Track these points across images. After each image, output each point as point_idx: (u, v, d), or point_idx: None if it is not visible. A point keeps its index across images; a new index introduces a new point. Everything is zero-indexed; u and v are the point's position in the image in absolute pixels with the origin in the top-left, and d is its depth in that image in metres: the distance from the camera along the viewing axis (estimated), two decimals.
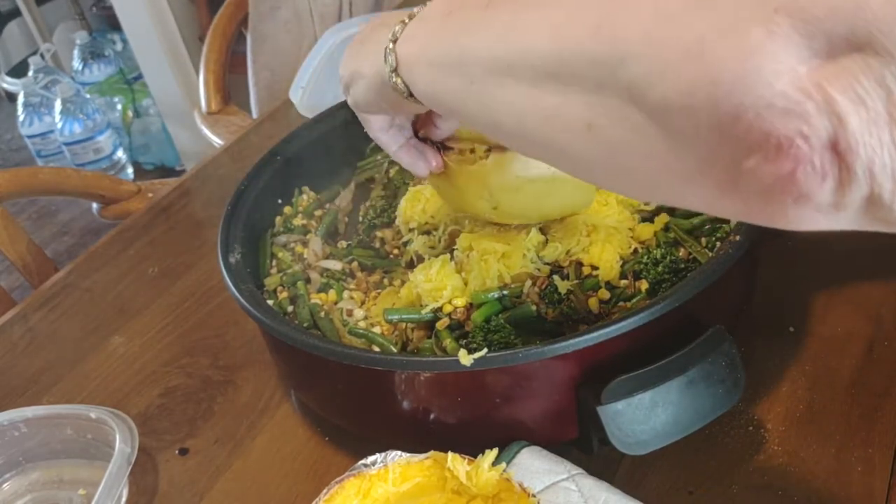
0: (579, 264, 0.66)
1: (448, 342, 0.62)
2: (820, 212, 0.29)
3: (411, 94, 0.50)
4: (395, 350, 0.65)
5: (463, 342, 0.61)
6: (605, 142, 0.36)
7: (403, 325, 0.66)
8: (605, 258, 0.65)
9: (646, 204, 0.71)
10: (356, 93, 0.57)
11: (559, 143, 0.38)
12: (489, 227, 0.69)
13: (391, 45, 0.49)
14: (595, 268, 0.66)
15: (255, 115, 1.67)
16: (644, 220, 0.70)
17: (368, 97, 0.55)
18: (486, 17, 0.42)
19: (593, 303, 0.63)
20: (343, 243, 0.80)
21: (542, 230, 0.68)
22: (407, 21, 0.50)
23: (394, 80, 0.50)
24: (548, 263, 0.67)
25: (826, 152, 0.27)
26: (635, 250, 0.67)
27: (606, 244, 0.66)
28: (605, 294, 0.64)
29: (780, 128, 0.28)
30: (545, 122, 0.38)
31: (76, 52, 2.96)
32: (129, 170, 2.93)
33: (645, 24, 0.32)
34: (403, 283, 0.70)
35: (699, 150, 0.31)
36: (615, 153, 0.36)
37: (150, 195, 1.20)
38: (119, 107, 2.91)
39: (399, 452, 0.57)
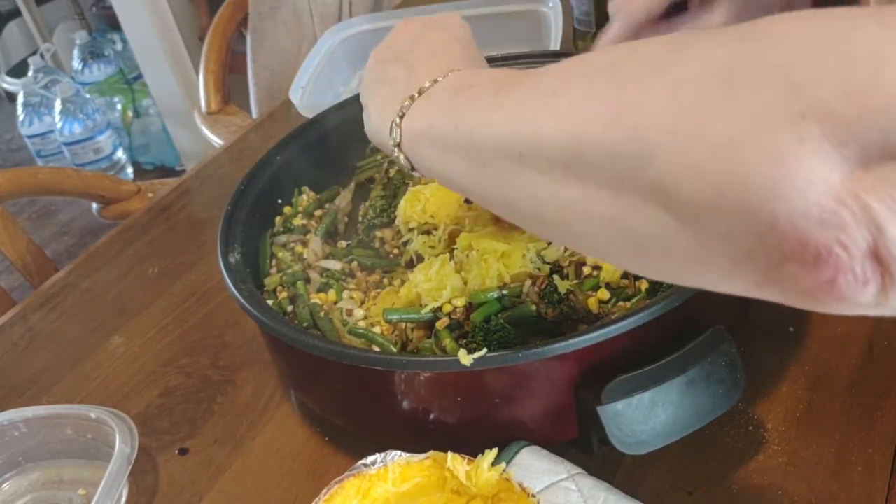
0: (580, 264, 0.66)
1: (448, 342, 0.62)
2: (861, 307, 0.29)
3: (414, 168, 0.49)
4: (394, 350, 0.65)
5: (462, 342, 0.61)
6: (630, 235, 0.34)
7: (403, 325, 0.66)
8: None
9: None
10: (366, 124, 0.56)
11: (579, 232, 0.37)
12: (489, 226, 0.69)
13: (397, 120, 0.49)
14: (596, 268, 0.65)
15: (255, 115, 1.67)
16: None
17: (374, 143, 0.55)
18: (496, 101, 0.40)
19: (593, 303, 0.63)
20: (343, 243, 0.80)
21: None
22: (416, 96, 0.49)
23: (396, 154, 0.49)
24: (548, 263, 0.67)
25: (867, 260, 0.27)
26: None
27: None
28: (604, 294, 0.64)
29: (818, 237, 0.27)
30: (563, 211, 0.37)
31: (76, 52, 2.96)
32: (129, 170, 2.93)
33: (664, 118, 0.30)
34: (403, 282, 0.70)
35: (733, 250, 0.30)
36: (641, 246, 0.34)
37: (150, 195, 1.20)
38: (119, 107, 2.91)
39: (399, 452, 0.57)
